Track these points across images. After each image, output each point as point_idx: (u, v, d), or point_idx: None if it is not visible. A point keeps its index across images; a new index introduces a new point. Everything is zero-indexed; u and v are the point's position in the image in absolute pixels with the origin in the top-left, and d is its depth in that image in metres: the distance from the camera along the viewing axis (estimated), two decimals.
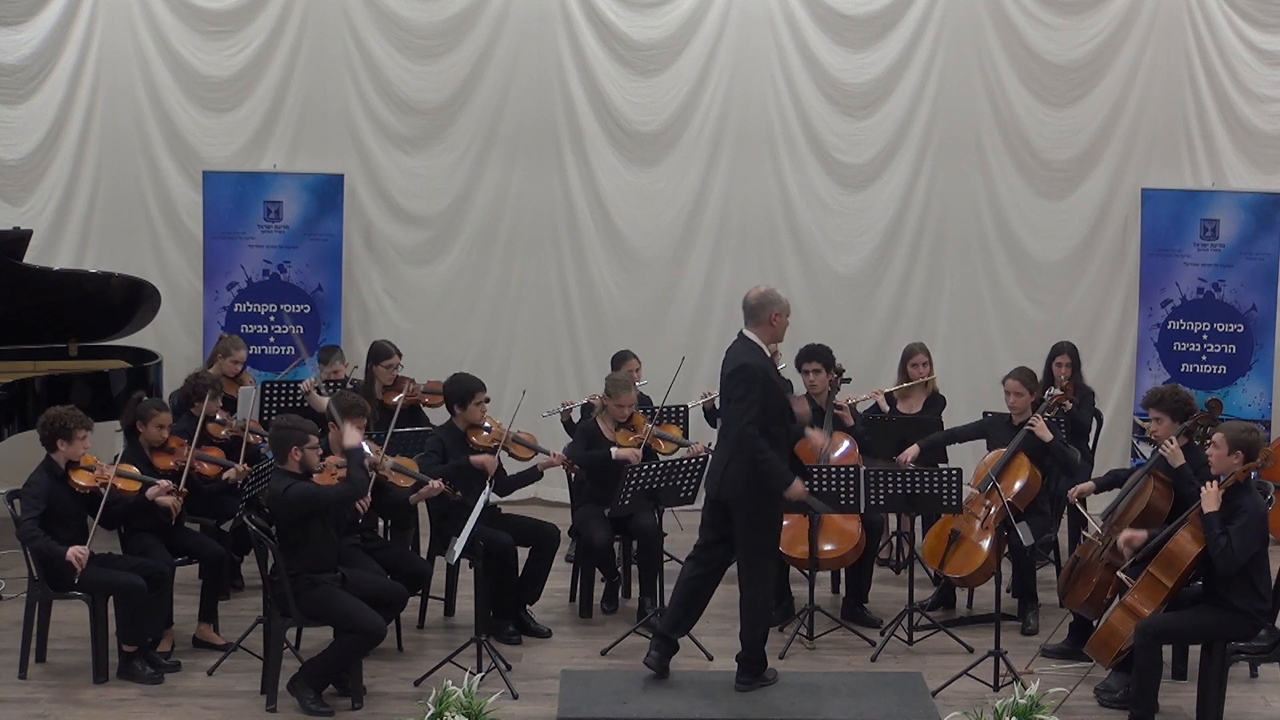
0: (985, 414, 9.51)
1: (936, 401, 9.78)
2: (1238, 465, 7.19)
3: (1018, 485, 8.53)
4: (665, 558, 8.64)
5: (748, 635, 7.63)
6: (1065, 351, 9.83)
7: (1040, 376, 9.58)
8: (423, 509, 8.70)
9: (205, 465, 8.49)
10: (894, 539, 9.71)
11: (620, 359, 9.72)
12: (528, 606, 8.52)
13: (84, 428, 7.73)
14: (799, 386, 9.19)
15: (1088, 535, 7.82)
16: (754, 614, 7.62)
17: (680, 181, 11.45)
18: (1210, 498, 7.10)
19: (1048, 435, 8.62)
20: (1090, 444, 10.00)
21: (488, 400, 8.71)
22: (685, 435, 9.40)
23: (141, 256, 11.22)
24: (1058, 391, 9.02)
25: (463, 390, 8.56)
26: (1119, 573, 7.45)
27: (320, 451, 7.66)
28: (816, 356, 9.18)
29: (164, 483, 7.92)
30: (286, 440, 7.48)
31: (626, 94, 11.38)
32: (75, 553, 7.46)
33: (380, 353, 9.73)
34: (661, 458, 8.74)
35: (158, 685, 7.60)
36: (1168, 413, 7.83)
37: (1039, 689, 6.75)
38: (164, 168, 11.29)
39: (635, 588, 8.87)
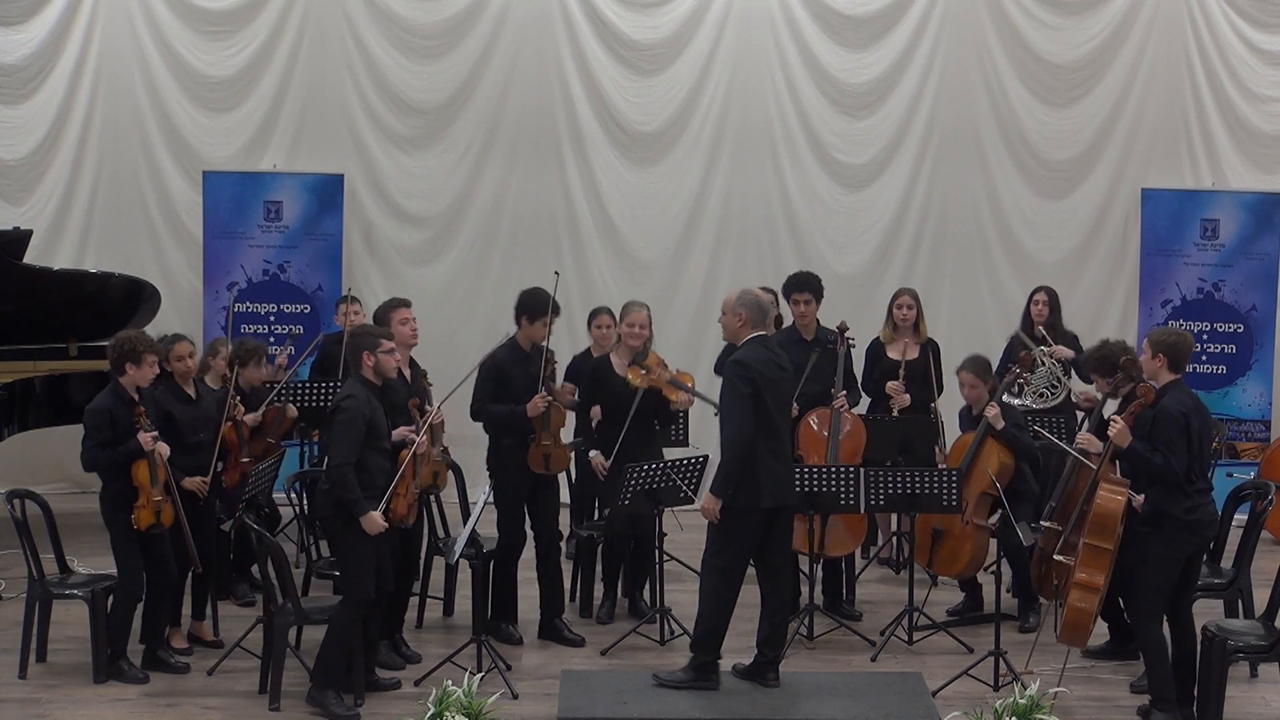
0: None
1: (929, 348, 9.56)
2: (1160, 368, 7.07)
3: (990, 473, 8.43)
4: (665, 558, 8.63)
5: (784, 632, 7.69)
6: (1043, 290, 9.78)
7: (1020, 321, 9.63)
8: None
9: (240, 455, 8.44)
10: (894, 539, 9.70)
11: (626, 310, 9.38)
12: (561, 615, 8.40)
13: (153, 353, 7.59)
14: (788, 316, 9.11)
15: (1047, 525, 7.74)
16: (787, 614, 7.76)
17: (680, 181, 11.46)
18: (1121, 434, 7.04)
19: (999, 424, 8.47)
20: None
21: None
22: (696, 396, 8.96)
23: (141, 256, 11.23)
24: (1014, 368, 8.97)
25: (535, 304, 8.19)
26: (1054, 555, 7.40)
27: (397, 358, 7.59)
28: (808, 287, 8.96)
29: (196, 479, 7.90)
30: (359, 346, 7.45)
31: (626, 94, 11.39)
32: (145, 437, 7.43)
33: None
34: (673, 407, 8.63)
35: (154, 685, 7.59)
36: (1096, 371, 7.77)
37: (1039, 689, 6.74)
38: (164, 168, 11.30)
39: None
